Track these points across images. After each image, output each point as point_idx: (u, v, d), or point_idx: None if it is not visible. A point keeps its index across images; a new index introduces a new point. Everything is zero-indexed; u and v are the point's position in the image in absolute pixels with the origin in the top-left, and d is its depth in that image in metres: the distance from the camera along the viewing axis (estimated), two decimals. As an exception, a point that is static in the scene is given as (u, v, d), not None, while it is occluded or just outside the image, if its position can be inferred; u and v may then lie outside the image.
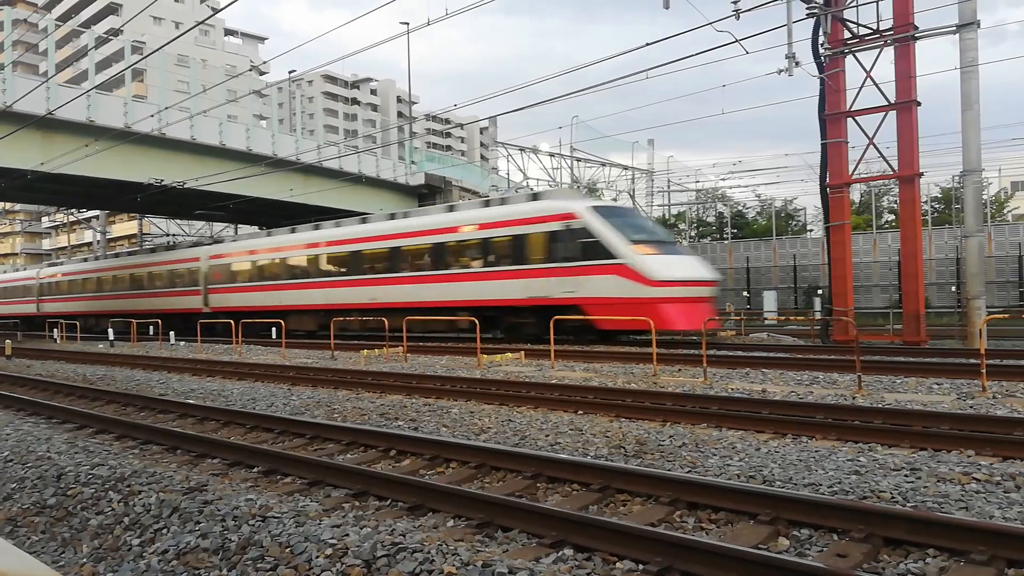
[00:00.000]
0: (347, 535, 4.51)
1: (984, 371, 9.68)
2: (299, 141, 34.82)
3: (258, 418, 9.31)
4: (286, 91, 58.47)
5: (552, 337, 14.61)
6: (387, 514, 5.50)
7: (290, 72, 50.24)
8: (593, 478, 5.88)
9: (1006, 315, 10.87)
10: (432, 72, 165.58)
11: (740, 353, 14.65)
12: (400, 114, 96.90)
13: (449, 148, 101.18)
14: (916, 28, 22.14)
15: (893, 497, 5.38)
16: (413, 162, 40.66)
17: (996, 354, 12.86)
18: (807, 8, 22.66)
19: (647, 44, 15.80)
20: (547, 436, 7.88)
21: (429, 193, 40.05)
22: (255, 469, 6.96)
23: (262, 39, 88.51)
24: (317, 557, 4.24)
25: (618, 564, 4.38)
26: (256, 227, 42.30)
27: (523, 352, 16.50)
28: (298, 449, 7.80)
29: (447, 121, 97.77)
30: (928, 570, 4.21)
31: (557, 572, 4.22)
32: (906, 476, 5.87)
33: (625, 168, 46.62)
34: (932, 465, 6.13)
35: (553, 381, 11.68)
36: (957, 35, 21.95)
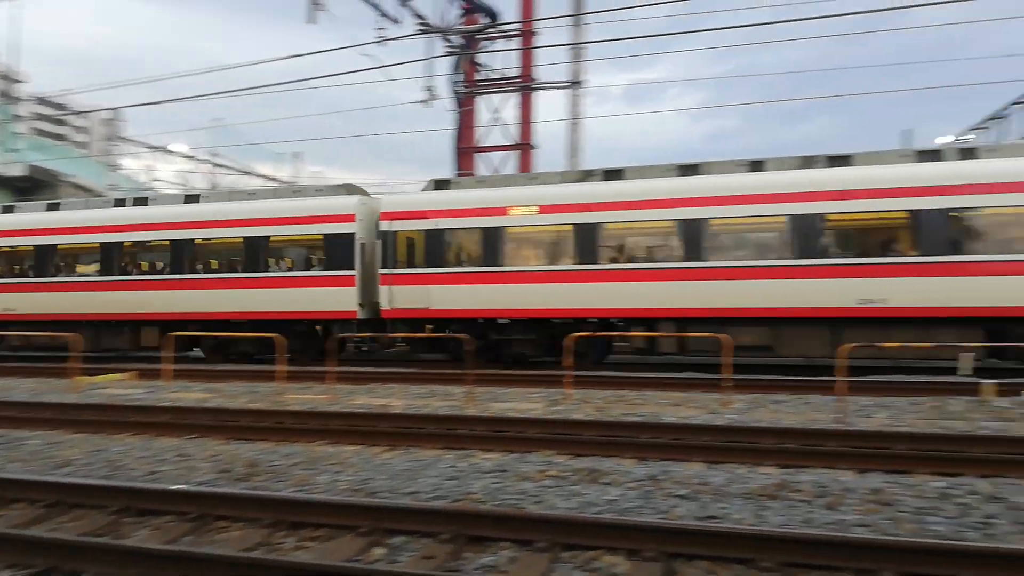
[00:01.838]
0: None
1: (569, 381, 11.22)
2: None
3: None
4: None
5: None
6: (-92, 574, 4.46)
7: None
8: (189, 507, 5.46)
9: (585, 334, 12.70)
10: (49, 49, 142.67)
11: (371, 368, 14.98)
12: (2, 93, 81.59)
13: (62, 138, 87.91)
14: (534, 80, 25.10)
15: (482, 498, 5.89)
16: (14, 150, 34.54)
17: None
18: (446, 47, 24.34)
19: (293, 56, 15.52)
20: (147, 465, 7.15)
21: (32, 187, 34.24)
22: None
23: None
24: None
25: (201, 596, 4.10)
26: None
27: (136, 372, 14.88)
28: None
29: (62, 107, 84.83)
30: (499, 561, 4.66)
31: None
32: (495, 478, 6.49)
33: (270, 179, 45.16)
34: (518, 466, 6.87)
35: (165, 404, 10.67)
36: (568, 90, 25.45)
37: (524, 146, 25.46)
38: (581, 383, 12.05)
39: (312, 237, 16.65)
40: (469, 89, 25.23)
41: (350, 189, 17.33)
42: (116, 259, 18.01)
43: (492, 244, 15.21)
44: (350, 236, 16.12)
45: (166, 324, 17.01)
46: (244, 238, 16.92)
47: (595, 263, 14.57)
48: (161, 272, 17.91)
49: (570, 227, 14.74)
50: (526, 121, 25.49)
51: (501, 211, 15.23)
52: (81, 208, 19.13)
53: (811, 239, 13.37)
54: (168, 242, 17.48)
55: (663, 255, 14.37)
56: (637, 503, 5.76)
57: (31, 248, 18.77)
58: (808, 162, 13.99)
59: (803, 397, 10.90)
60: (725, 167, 14.50)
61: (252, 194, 18.18)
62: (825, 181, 13.46)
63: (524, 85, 25.17)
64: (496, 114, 26.00)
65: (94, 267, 18.39)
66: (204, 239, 17.42)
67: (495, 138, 25.94)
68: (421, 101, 23.23)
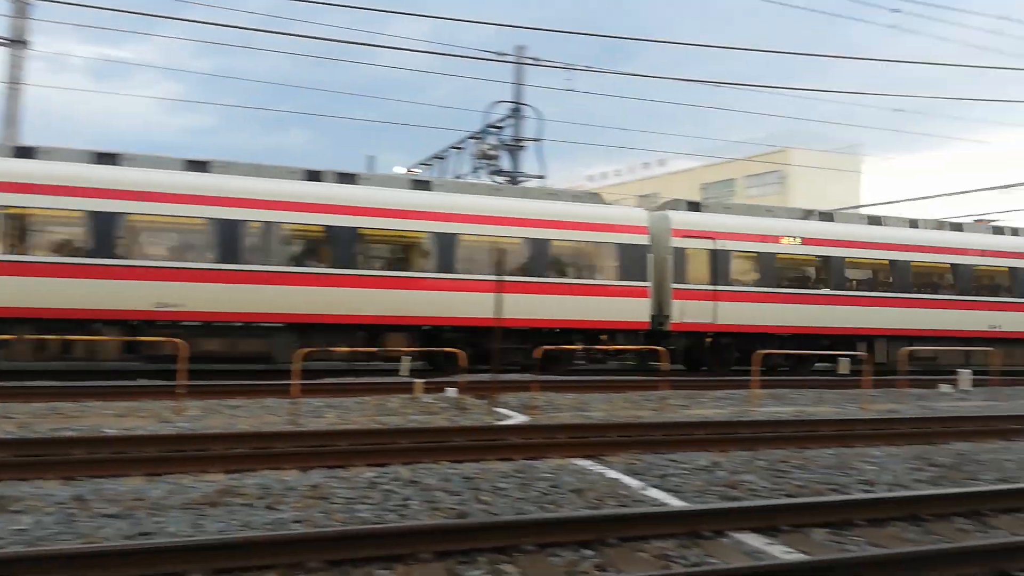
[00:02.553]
0: None
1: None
2: None
3: None
4: None
5: None
6: None
7: None
8: None
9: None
10: None
11: None
12: None
13: None
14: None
15: None
16: None
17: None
18: None
19: None
20: None
21: None
22: None
23: None
24: None
25: None
26: None
27: None
28: None
29: None
30: None
31: None
32: None
33: None
34: None
35: None
36: (8, 49, 21.25)
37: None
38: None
39: (598, 245, 16.70)
40: None
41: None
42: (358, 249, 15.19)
43: (767, 267, 17.89)
44: (644, 248, 16.82)
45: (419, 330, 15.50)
46: (522, 239, 15.99)
47: (843, 290, 18.50)
48: (426, 270, 15.44)
49: (818, 258, 18.55)
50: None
51: (775, 239, 18.11)
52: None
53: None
54: (426, 234, 15.39)
55: (901, 285, 18.96)
56: (55, 530, 5.02)
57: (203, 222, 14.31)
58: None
59: (261, 401, 11.04)
60: (897, 220, 20.34)
61: (497, 189, 17.61)
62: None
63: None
64: None
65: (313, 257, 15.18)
66: (473, 235, 15.69)
67: None
68: None
